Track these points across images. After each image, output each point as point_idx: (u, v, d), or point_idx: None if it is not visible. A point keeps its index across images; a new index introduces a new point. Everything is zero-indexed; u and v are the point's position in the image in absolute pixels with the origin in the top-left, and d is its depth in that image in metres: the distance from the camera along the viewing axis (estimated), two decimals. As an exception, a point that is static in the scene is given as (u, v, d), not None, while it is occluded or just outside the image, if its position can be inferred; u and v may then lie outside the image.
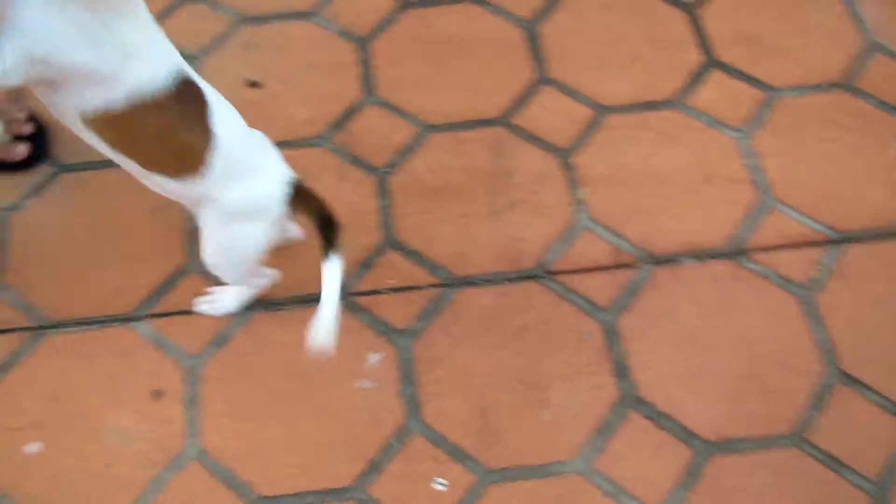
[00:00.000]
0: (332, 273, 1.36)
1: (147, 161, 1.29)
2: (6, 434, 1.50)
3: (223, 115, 1.30)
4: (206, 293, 1.64)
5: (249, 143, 1.37)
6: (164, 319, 1.61)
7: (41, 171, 1.77)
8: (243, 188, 1.34)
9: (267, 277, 1.60)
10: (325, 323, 1.34)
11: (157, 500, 1.46)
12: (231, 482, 1.47)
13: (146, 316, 1.61)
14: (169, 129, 1.25)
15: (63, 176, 1.77)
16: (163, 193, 1.36)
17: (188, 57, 1.88)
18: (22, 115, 1.74)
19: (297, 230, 1.63)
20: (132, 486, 1.47)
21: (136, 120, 1.21)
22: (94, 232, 1.70)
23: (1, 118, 1.72)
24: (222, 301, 1.62)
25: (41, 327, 1.60)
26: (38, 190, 1.75)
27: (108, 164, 1.38)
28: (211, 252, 1.45)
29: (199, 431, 1.51)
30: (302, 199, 1.40)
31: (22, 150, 1.75)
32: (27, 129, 1.76)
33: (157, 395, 1.53)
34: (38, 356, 1.57)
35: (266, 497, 1.46)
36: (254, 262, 1.48)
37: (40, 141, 1.78)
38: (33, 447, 1.49)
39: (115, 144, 1.26)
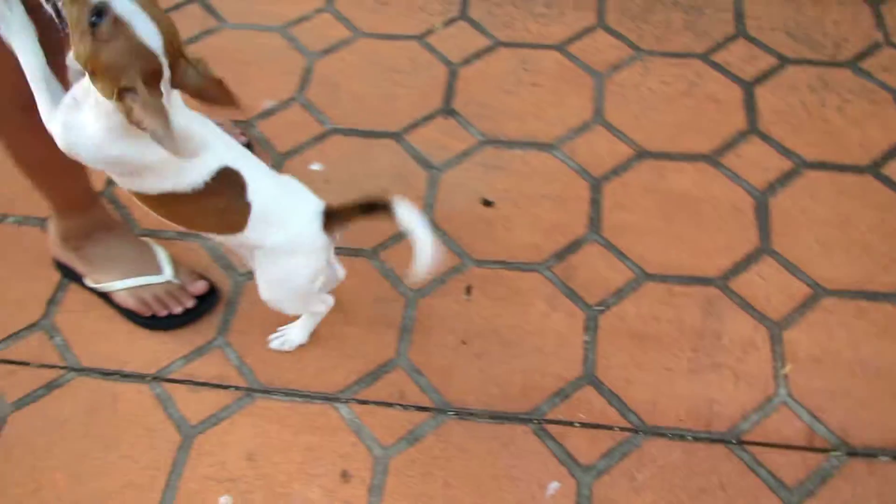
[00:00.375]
0: (406, 209, 1.43)
1: (185, 224, 1.47)
2: (202, 481, 1.61)
3: (260, 187, 1.44)
4: (276, 331, 1.77)
5: (282, 195, 1.49)
6: (365, 407, 1.69)
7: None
8: (282, 232, 1.47)
9: (325, 304, 1.71)
10: (425, 250, 1.43)
11: (327, 578, 1.53)
12: (397, 576, 1.53)
13: (349, 400, 1.70)
14: (203, 209, 1.43)
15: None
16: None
17: (430, 166, 2.03)
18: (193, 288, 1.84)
19: (341, 270, 1.75)
20: (307, 559, 1.54)
21: (171, 203, 1.41)
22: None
23: None
24: (291, 336, 1.75)
25: (253, 390, 1.72)
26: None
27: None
28: (265, 288, 1.58)
29: (377, 520, 1.58)
30: (338, 215, 1.50)
31: (201, 285, 1.83)
32: (200, 287, 1.84)
33: (346, 476, 1.61)
34: (245, 415, 1.69)
35: None
36: (308, 292, 1.60)
37: (210, 299, 1.85)
38: (224, 500, 1.59)
39: (155, 212, 1.44)
